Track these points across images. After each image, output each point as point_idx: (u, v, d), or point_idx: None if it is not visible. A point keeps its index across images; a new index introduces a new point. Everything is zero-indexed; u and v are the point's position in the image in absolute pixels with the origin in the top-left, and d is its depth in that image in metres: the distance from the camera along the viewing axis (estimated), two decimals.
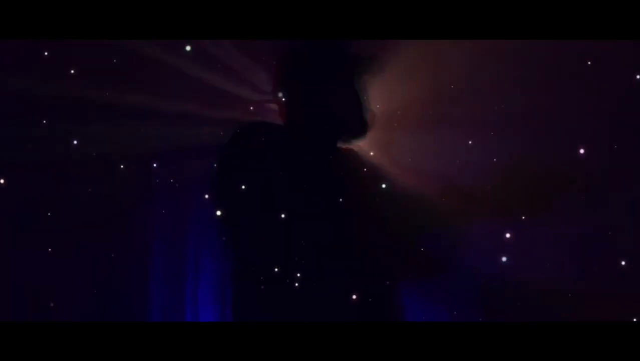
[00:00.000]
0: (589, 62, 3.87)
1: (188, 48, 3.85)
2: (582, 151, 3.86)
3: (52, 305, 3.88)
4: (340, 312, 3.58)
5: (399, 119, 3.93)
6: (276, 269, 3.56)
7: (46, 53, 3.85)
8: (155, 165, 3.92)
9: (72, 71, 3.84)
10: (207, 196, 3.69)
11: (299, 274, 3.56)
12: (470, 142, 3.93)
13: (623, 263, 3.85)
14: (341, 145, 3.73)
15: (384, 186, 3.71)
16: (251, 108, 3.88)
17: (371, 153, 3.82)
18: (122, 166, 3.92)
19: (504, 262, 3.84)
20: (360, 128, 3.73)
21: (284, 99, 3.67)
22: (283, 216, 3.57)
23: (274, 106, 3.76)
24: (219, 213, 3.63)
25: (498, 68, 3.89)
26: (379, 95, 3.83)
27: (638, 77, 3.86)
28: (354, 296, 3.56)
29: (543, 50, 3.86)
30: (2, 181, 3.79)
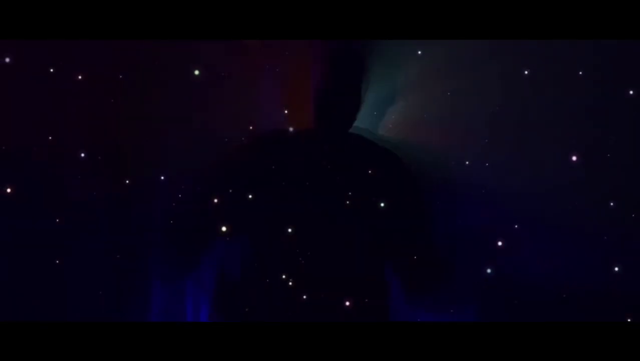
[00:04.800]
0: (580, 72, 3.93)
1: (197, 72, 3.87)
2: (574, 158, 3.92)
3: (54, 305, 3.91)
4: (337, 314, 3.63)
5: (394, 122, 4.00)
6: (280, 274, 3.60)
7: (52, 61, 3.86)
8: (162, 177, 3.95)
9: (80, 77, 3.88)
10: (215, 201, 3.72)
11: (297, 277, 3.60)
12: (463, 147, 4.00)
13: (616, 269, 3.91)
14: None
15: (382, 204, 3.74)
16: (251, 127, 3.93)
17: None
18: (127, 181, 3.97)
19: (491, 272, 3.91)
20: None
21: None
22: (290, 230, 3.62)
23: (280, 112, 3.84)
24: (224, 228, 3.66)
25: (491, 71, 3.96)
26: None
27: (630, 92, 3.92)
28: (347, 303, 3.60)
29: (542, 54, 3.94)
30: (8, 190, 3.82)
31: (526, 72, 3.94)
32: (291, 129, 3.75)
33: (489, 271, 3.88)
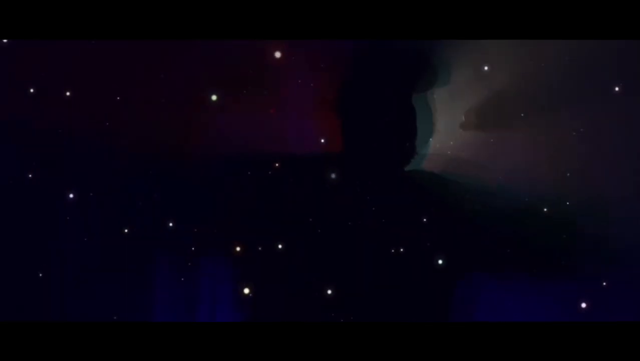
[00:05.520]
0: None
1: (214, 98, 3.84)
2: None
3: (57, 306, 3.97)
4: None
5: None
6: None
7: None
8: (171, 224, 3.98)
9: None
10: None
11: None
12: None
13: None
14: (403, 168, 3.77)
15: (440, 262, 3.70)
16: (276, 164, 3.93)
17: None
18: (125, 231, 4.03)
19: None
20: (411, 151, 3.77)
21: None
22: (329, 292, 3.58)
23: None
24: (247, 291, 3.67)
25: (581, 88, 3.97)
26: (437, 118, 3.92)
27: (617, 88, 3.96)
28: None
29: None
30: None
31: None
32: (333, 175, 3.69)
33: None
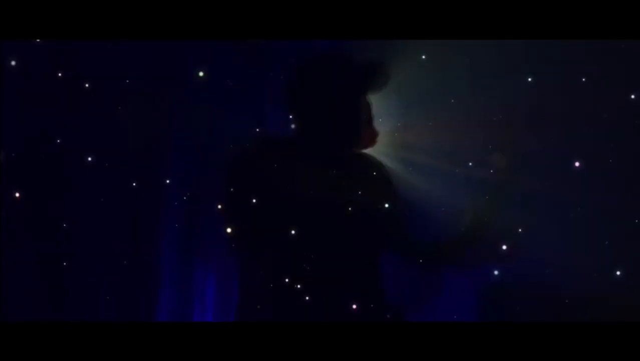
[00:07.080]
0: (584, 79, 3.97)
1: (201, 74, 3.91)
2: (577, 164, 3.96)
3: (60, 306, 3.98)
4: (342, 316, 3.65)
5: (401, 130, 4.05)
6: (286, 279, 3.64)
7: (60, 73, 3.95)
8: (168, 181, 4.00)
9: (87, 85, 3.95)
10: (219, 207, 3.76)
11: (302, 284, 3.64)
12: (470, 160, 4.03)
13: (618, 273, 3.94)
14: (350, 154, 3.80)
15: (387, 205, 3.79)
16: (258, 130, 3.99)
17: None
18: (134, 184, 4.01)
19: (497, 274, 3.95)
20: (368, 140, 3.79)
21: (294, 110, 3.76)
22: (293, 232, 3.65)
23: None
24: (229, 230, 3.70)
25: (499, 76, 3.99)
26: (385, 106, 3.92)
27: (633, 96, 3.95)
28: (354, 306, 3.63)
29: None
30: (17, 194, 3.87)
31: (530, 79, 3.98)
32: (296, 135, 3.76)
33: (496, 272, 3.91)
